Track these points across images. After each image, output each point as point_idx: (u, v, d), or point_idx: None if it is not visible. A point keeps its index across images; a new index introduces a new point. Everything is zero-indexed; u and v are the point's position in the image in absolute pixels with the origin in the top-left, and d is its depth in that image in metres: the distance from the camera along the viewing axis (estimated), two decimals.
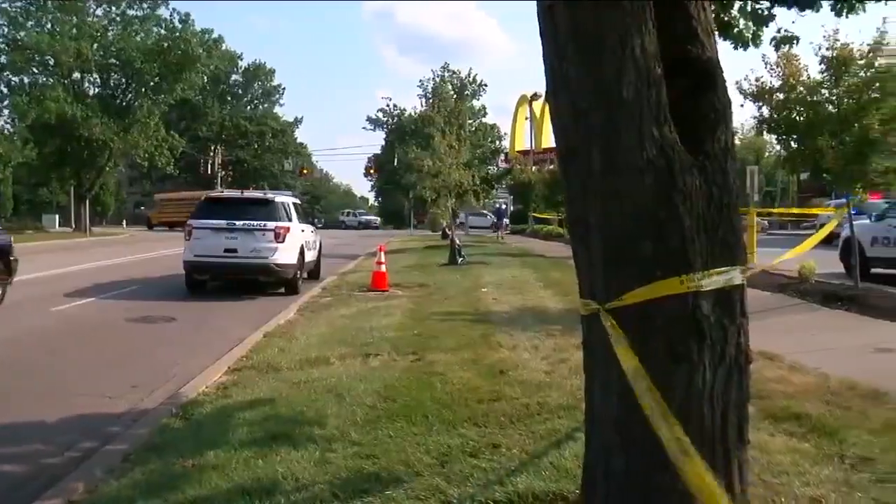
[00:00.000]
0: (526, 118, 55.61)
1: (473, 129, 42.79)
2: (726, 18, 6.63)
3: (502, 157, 42.36)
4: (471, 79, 73.20)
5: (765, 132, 14.77)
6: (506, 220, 48.57)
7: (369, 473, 4.78)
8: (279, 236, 15.18)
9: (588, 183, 2.58)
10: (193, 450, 5.27)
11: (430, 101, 39.77)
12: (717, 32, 6.58)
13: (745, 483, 2.68)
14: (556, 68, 2.67)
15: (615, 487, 2.60)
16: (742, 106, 14.20)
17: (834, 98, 13.22)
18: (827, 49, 13.10)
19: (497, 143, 66.98)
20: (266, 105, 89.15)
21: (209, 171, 75.95)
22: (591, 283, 2.64)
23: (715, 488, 2.13)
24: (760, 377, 7.30)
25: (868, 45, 12.86)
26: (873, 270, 16.93)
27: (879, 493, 4.44)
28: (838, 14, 6.40)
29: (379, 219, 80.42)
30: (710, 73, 2.75)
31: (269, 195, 17.48)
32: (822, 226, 17.20)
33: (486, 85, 73.89)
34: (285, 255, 15.27)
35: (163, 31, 51.00)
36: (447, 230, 25.80)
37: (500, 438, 5.37)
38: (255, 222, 15.27)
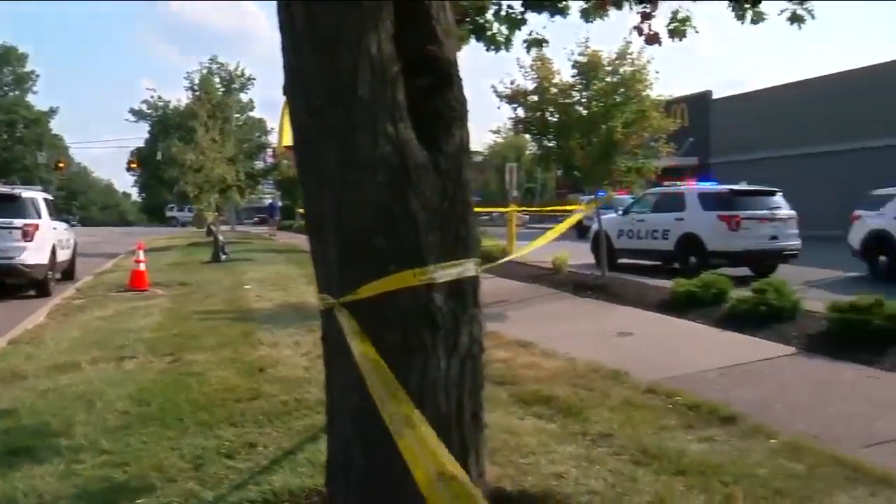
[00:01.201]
0: None
1: (241, 123, 41.77)
2: (481, 21, 6.89)
3: (269, 151, 41.59)
4: (239, 72, 71.58)
5: (521, 132, 15.47)
6: (276, 217, 48.02)
7: (119, 483, 4.56)
8: (27, 235, 14.10)
9: (323, 179, 2.60)
10: None
11: (196, 93, 38.39)
12: (473, 35, 6.86)
13: (483, 467, 2.80)
14: (294, 64, 2.66)
15: (356, 479, 2.64)
16: (499, 108, 14.76)
17: (584, 101, 14.02)
18: (579, 55, 13.90)
19: (264, 137, 66.06)
20: (17, 92, 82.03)
21: None
22: (327, 278, 2.66)
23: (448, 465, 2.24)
24: (514, 364, 7.69)
25: (615, 52, 13.78)
26: (620, 261, 18.28)
27: (615, 465, 4.80)
28: (587, 20, 6.81)
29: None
30: (447, 73, 2.84)
31: (17, 190, 16.20)
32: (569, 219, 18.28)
33: (254, 78, 72.40)
34: (35, 254, 14.20)
35: None
36: (211, 227, 25.05)
37: (258, 437, 5.31)
38: (1, 220, 14.10)
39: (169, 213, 74.20)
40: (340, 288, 2.54)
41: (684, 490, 4.41)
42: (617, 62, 13.75)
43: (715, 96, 45.30)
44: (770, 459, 4.95)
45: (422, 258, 2.52)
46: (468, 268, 2.63)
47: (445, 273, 2.55)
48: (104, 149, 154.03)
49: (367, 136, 2.50)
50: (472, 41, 6.99)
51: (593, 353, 8.18)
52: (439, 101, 2.78)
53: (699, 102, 44.28)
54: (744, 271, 15.64)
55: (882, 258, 16.11)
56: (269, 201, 53.95)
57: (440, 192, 2.61)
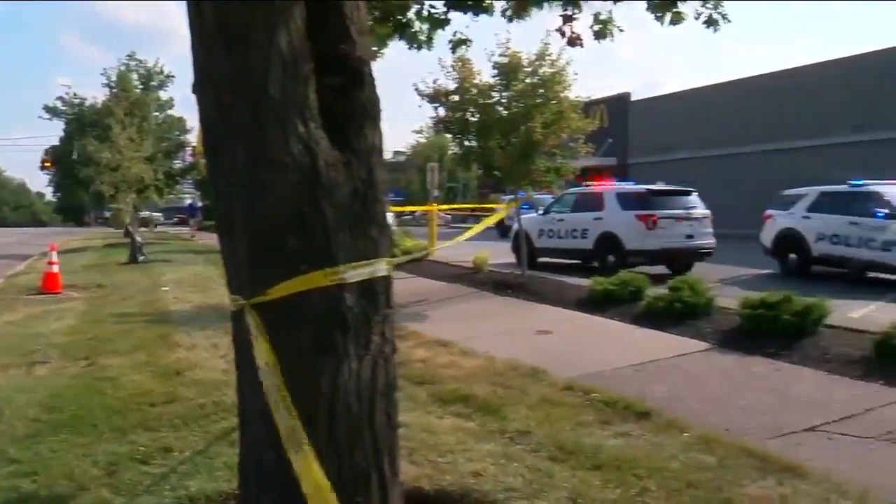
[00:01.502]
0: None
1: (160, 121, 40.83)
2: (403, 20, 6.88)
3: (189, 150, 40.76)
4: (158, 69, 69.87)
5: (442, 132, 15.52)
6: (198, 217, 47.17)
7: (27, 493, 4.42)
8: None
9: (233, 178, 2.56)
10: None
11: (114, 90, 37.36)
12: (395, 33, 6.84)
13: (397, 468, 2.81)
14: (203, 62, 2.62)
15: (265, 481, 2.62)
16: (420, 107, 14.78)
17: (504, 102, 14.14)
18: (499, 56, 14.01)
19: (184, 136, 64.60)
20: None
21: None
22: (238, 279, 2.63)
23: (324, 486, 2.31)
24: (433, 363, 7.72)
25: (535, 54, 13.92)
26: (540, 260, 18.50)
27: (533, 462, 4.86)
28: (509, 20, 6.86)
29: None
30: (360, 72, 2.83)
31: None
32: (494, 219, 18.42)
33: (173, 76, 70.68)
34: None
35: None
36: (129, 227, 24.48)
37: (173, 442, 5.21)
38: None
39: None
40: (251, 289, 2.51)
41: (600, 485, 4.50)
42: (537, 63, 13.91)
43: (634, 98, 46.15)
44: (683, 452, 5.08)
45: (332, 258, 2.51)
46: (379, 267, 2.63)
47: (356, 273, 2.54)
48: (16, 147, 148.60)
49: (278, 135, 2.48)
50: (396, 39, 6.98)
51: (512, 351, 8.27)
52: (352, 100, 2.77)
53: (618, 104, 45.08)
54: (661, 269, 15.99)
55: (792, 256, 16.69)
56: (189, 201, 52.98)
57: (351, 191, 2.60)
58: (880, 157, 26.74)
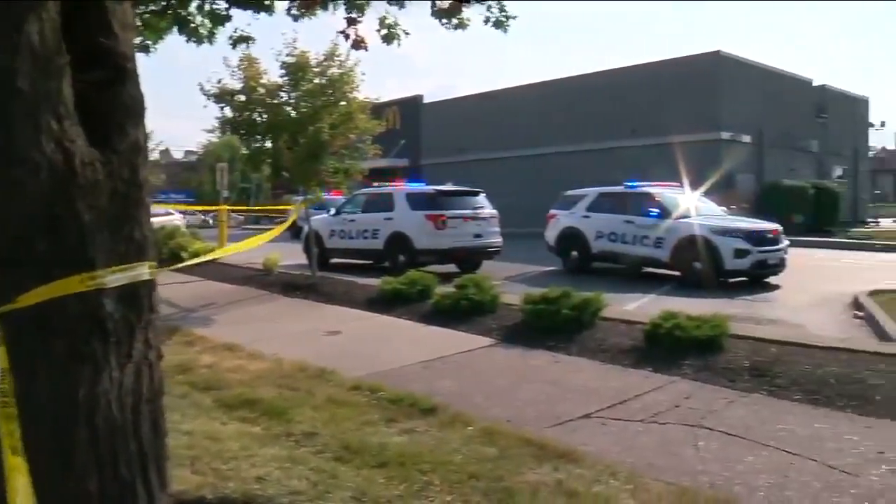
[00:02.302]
0: None
1: None
2: (184, 14, 6.65)
3: None
4: None
5: (229, 132, 15.11)
6: None
7: None
8: None
9: None
10: None
11: None
12: (176, 27, 6.60)
13: (166, 478, 2.70)
14: None
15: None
16: (205, 107, 14.33)
17: (292, 102, 14.00)
18: (287, 55, 13.84)
19: None
20: None
21: None
22: None
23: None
24: (219, 368, 7.53)
25: (323, 54, 13.86)
26: (332, 261, 18.49)
27: (318, 463, 4.85)
28: (294, 19, 6.77)
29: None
30: (122, 68, 2.70)
31: None
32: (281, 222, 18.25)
33: None
34: None
35: None
36: None
37: None
38: None
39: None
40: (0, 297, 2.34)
41: (384, 482, 4.55)
42: (325, 64, 13.86)
43: (427, 100, 47.04)
44: (466, 445, 5.23)
45: (90, 262, 2.38)
46: (143, 272, 2.52)
47: (117, 277, 2.42)
48: None
49: (28, 131, 2.32)
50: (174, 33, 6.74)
51: (301, 352, 8.22)
52: (113, 97, 2.64)
53: (411, 106, 45.86)
54: (451, 268, 16.40)
55: (574, 253, 17.69)
56: None
57: (110, 192, 2.47)
58: (653, 160, 28.79)
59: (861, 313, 11.29)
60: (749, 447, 5.36)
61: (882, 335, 9.38)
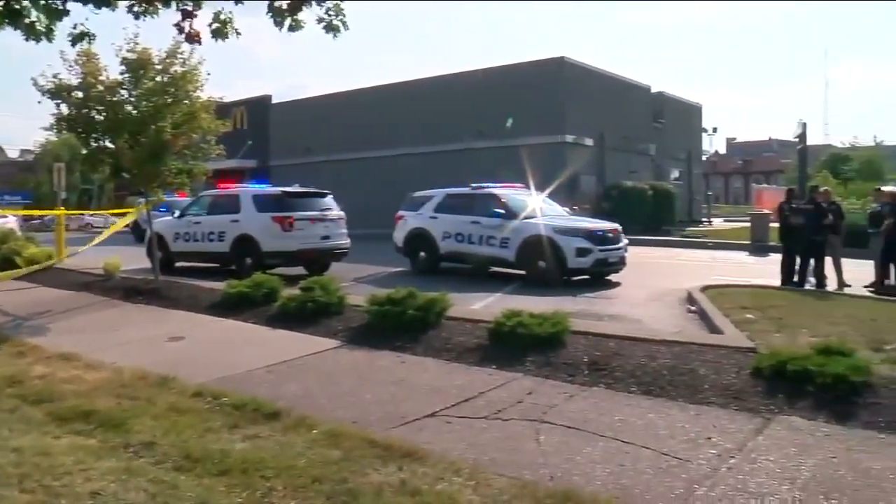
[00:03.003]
0: None
1: None
2: (17, 6, 6.32)
3: None
4: None
5: (64, 130, 14.39)
6: None
7: None
8: None
9: None
10: None
11: None
12: (7, 22, 6.26)
13: None
14: None
15: None
16: (40, 102, 13.58)
17: (133, 100, 13.50)
18: (127, 51, 13.34)
19: None
20: None
21: None
22: None
23: None
24: (53, 379, 7.24)
25: (166, 51, 13.43)
26: (178, 264, 17.98)
27: (157, 474, 4.75)
28: (136, 17, 6.56)
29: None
30: None
31: None
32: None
33: None
34: None
35: None
36: None
37: None
38: None
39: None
40: None
41: (226, 490, 4.52)
42: (168, 61, 13.45)
43: (275, 100, 46.34)
44: (310, 449, 5.24)
45: None
46: None
47: None
48: None
49: None
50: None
51: (142, 360, 8.01)
52: None
53: (259, 106, 45.12)
54: (299, 270, 16.27)
55: (422, 254, 17.88)
56: None
57: None
58: (501, 161, 29.43)
59: (694, 307, 11.92)
60: (588, 439, 5.61)
61: (711, 328, 9.97)
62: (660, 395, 6.68)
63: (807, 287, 14.73)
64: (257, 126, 44.04)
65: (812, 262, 15.00)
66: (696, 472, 4.94)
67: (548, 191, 20.23)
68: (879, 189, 17.55)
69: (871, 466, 5.00)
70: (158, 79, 13.42)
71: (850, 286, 14.88)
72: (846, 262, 15.54)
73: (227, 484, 4.61)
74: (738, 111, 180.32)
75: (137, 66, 13.35)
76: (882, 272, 14.61)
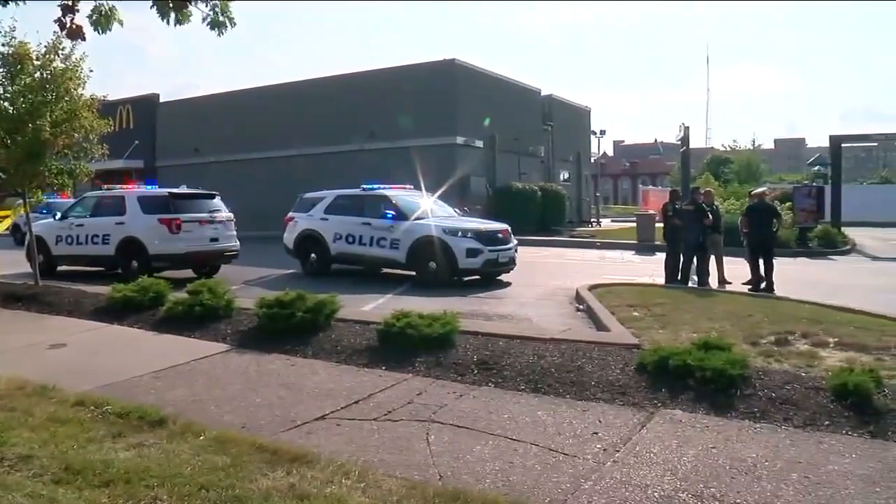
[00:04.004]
0: None
1: None
2: None
3: None
4: None
5: None
6: None
7: None
8: None
9: None
10: None
11: None
12: None
13: None
14: None
15: None
16: None
17: (9, 97, 12.96)
18: (3, 45, 12.80)
19: None
20: None
21: None
22: None
23: None
24: None
25: (45, 46, 12.93)
26: (60, 268, 17.34)
27: (34, 488, 4.58)
28: (4, 4, 6.29)
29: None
30: None
31: None
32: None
33: None
34: None
35: None
36: None
37: None
38: None
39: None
40: None
41: (108, 501, 4.40)
42: (47, 57, 12.95)
43: (163, 99, 45.02)
44: (197, 456, 5.14)
45: None
46: None
47: None
48: None
49: None
50: None
51: (21, 368, 7.68)
52: None
53: (146, 105, 43.77)
54: (188, 273, 15.92)
55: (313, 256, 17.74)
56: None
57: None
58: (393, 163, 29.45)
59: (582, 306, 12.21)
60: (477, 438, 5.70)
61: (599, 325, 10.26)
62: (548, 393, 6.84)
63: (690, 285, 15.26)
64: (144, 125, 42.70)
65: (695, 260, 15.55)
66: (583, 466, 5.09)
67: (438, 192, 20.36)
68: (751, 192, 18.38)
69: (748, 455, 5.26)
70: (37, 75, 12.92)
71: (730, 283, 15.51)
72: (728, 261, 16.18)
73: (110, 495, 4.47)
74: (626, 115, 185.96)
75: (14, 61, 12.83)
76: (754, 270, 15.18)
